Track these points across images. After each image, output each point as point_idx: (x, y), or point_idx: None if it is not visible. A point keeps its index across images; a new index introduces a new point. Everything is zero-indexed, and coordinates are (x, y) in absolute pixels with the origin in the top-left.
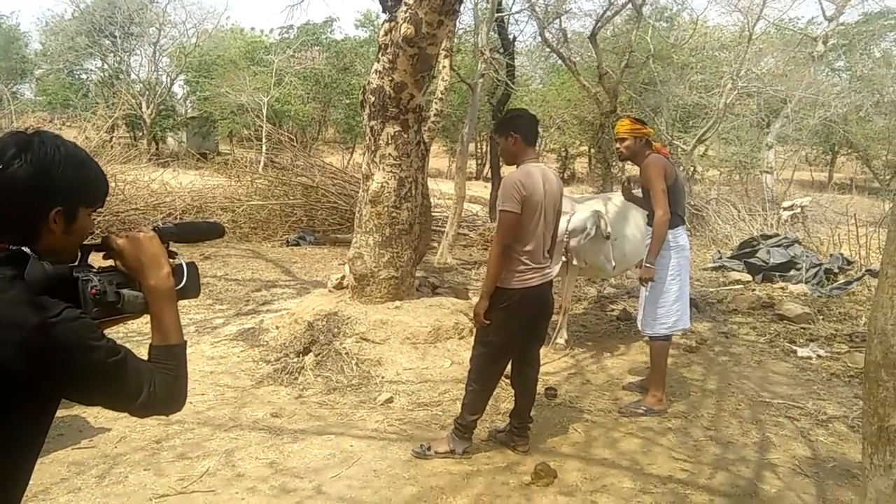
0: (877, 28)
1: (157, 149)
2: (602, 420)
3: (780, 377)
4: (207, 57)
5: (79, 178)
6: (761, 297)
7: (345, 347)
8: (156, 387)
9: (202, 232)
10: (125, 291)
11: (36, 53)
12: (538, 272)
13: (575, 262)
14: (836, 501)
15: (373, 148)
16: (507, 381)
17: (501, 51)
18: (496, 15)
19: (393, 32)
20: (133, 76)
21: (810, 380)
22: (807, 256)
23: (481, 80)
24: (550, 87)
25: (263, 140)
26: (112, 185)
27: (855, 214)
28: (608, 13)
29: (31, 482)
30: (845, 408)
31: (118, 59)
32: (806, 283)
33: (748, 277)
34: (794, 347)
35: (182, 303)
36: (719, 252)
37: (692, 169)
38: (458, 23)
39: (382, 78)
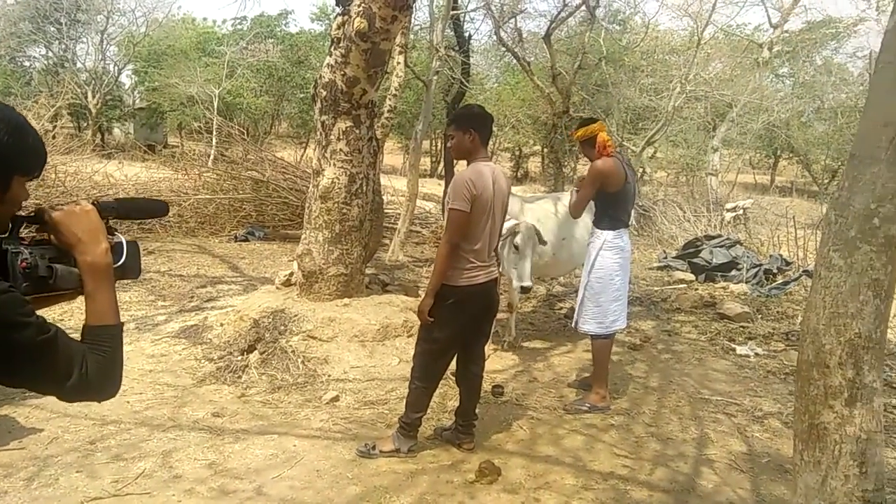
0: (818, 37)
1: (102, 140)
2: (547, 417)
3: (720, 374)
4: (157, 47)
5: (14, 144)
6: (704, 296)
7: (291, 345)
8: (88, 369)
9: (144, 209)
10: (58, 266)
11: None
12: (484, 270)
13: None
14: (770, 496)
15: (324, 143)
16: (454, 377)
17: (457, 48)
18: (452, 12)
19: (346, 26)
20: (79, 65)
21: (748, 377)
22: (748, 257)
23: (436, 78)
24: (505, 86)
25: (214, 133)
26: (52, 176)
27: (794, 217)
28: (562, 14)
29: None
30: (780, 404)
31: (63, 46)
32: (746, 282)
33: (692, 277)
34: (734, 346)
35: (122, 298)
36: (664, 252)
37: (641, 170)
38: (413, 19)
39: (335, 72)
